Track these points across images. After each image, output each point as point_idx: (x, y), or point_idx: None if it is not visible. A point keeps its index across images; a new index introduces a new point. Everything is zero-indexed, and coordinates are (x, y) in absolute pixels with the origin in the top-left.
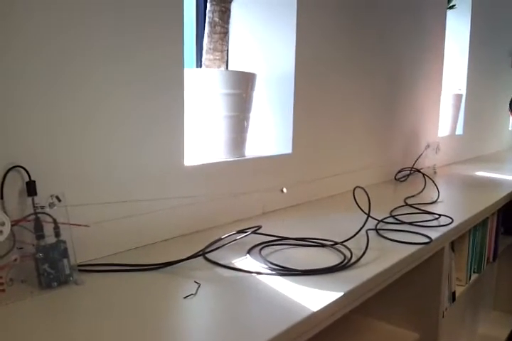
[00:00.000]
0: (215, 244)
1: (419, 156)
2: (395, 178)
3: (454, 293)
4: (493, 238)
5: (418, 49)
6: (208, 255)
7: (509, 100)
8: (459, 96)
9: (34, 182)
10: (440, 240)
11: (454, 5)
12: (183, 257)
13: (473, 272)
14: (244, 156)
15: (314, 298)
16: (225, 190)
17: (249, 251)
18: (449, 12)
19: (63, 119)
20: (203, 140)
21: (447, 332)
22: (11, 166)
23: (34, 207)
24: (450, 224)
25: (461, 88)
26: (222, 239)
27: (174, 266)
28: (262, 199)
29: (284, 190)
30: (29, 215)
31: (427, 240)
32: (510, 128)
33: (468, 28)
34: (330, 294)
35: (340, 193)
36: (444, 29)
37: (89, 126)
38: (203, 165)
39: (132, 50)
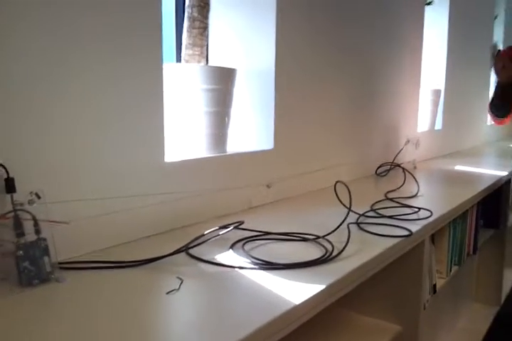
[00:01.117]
0: (198, 240)
1: (399, 151)
2: (376, 173)
3: (434, 286)
4: (473, 231)
5: (396, 45)
6: (190, 251)
7: (488, 104)
8: (437, 92)
9: (13, 179)
10: (420, 233)
11: (432, 1)
12: (166, 253)
13: (454, 264)
14: (225, 152)
15: (296, 291)
16: (207, 185)
17: (232, 246)
18: (427, 8)
19: (42, 117)
20: (184, 136)
21: (429, 324)
22: None
23: (13, 204)
24: (429, 217)
25: (440, 83)
26: (204, 234)
27: (157, 262)
28: (247, 194)
29: (271, 185)
30: (8, 212)
31: (407, 233)
32: (488, 123)
33: (446, 23)
34: (312, 287)
35: (323, 188)
36: (422, 25)
37: (68, 123)
38: (184, 161)
39: (109, 45)
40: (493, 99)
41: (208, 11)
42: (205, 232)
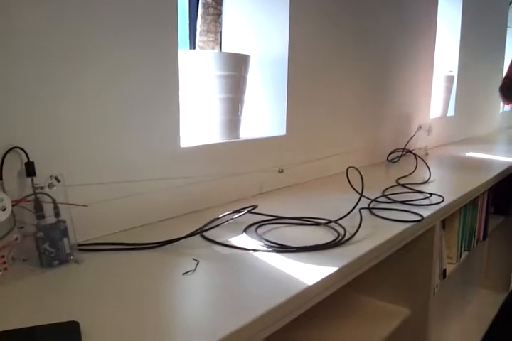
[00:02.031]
0: (212, 223)
1: (411, 138)
2: (388, 159)
3: (444, 271)
4: (484, 217)
5: (410, 31)
6: (205, 233)
7: (499, 87)
8: (450, 78)
9: (33, 163)
10: (431, 218)
11: None
12: (181, 236)
13: (464, 250)
14: (238, 138)
15: (309, 273)
16: (221, 170)
17: (245, 230)
18: None
19: (61, 102)
20: (198, 122)
21: (438, 309)
22: (9, 147)
23: (33, 187)
24: (441, 202)
25: (453, 70)
26: (218, 218)
27: (172, 244)
28: (259, 179)
29: (283, 170)
30: (29, 195)
31: (418, 218)
32: (500, 110)
33: (460, 9)
34: (325, 269)
35: (335, 174)
36: (436, 11)
37: (86, 108)
38: (198, 146)
39: (126, 33)
40: (505, 79)
41: None
42: (219, 216)
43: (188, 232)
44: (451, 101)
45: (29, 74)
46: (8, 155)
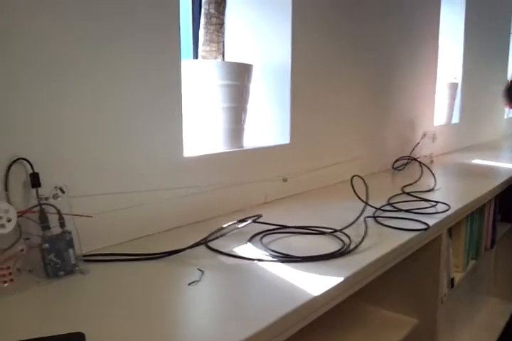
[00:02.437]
0: (217, 233)
1: (416, 145)
2: (393, 167)
3: (452, 280)
4: (491, 225)
5: (412, 38)
6: (210, 243)
7: (503, 90)
8: (454, 85)
9: (37, 174)
10: (438, 226)
11: None
12: (186, 246)
13: (471, 259)
14: (242, 147)
15: (315, 283)
16: (225, 180)
17: (250, 240)
18: (443, 1)
19: (65, 113)
20: (201, 131)
21: (446, 318)
22: (14, 159)
23: (38, 198)
24: (447, 210)
25: (457, 77)
26: (223, 228)
27: (177, 254)
28: (263, 188)
29: (287, 179)
30: (34, 206)
31: (424, 227)
32: (505, 117)
33: (463, 16)
34: (330, 279)
35: (339, 182)
36: (439, 17)
37: (90, 118)
38: (201, 156)
39: (129, 41)
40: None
41: (224, 7)
42: (224, 225)
43: (192, 242)
44: (455, 108)
45: (33, 87)
46: (13, 167)
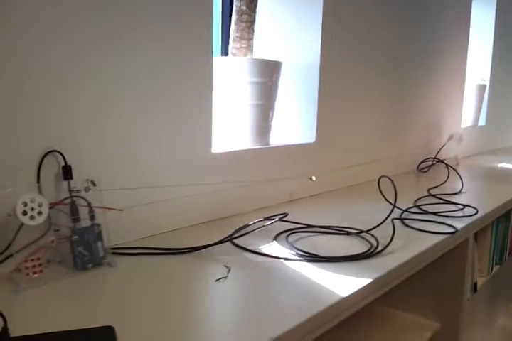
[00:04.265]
0: (243, 230)
1: (442, 147)
2: (418, 169)
3: (475, 284)
4: None
5: (442, 39)
6: (235, 240)
7: None
8: (482, 87)
9: (70, 166)
10: (465, 230)
11: None
12: (212, 242)
13: (495, 264)
14: (269, 144)
15: (342, 284)
16: (251, 177)
17: (275, 238)
18: (474, 1)
19: (99, 108)
20: (229, 128)
21: (468, 323)
22: (47, 151)
23: (70, 190)
24: (475, 214)
25: (485, 78)
26: (249, 225)
27: (203, 250)
28: (289, 187)
29: (313, 178)
30: (65, 199)
31: (452, 230)
32: None
33: (494, 17)
34: (358, 281)
35: (365, 182)
36: (469, 18)
37: (123, 114)
38: (230, 152)
39: (161, 37)
40: None
41: (255, 4)
42: (250, 223)
43: (217, 238)
44: (482, 110)
45: (67, 78)
46: (45, 159)
